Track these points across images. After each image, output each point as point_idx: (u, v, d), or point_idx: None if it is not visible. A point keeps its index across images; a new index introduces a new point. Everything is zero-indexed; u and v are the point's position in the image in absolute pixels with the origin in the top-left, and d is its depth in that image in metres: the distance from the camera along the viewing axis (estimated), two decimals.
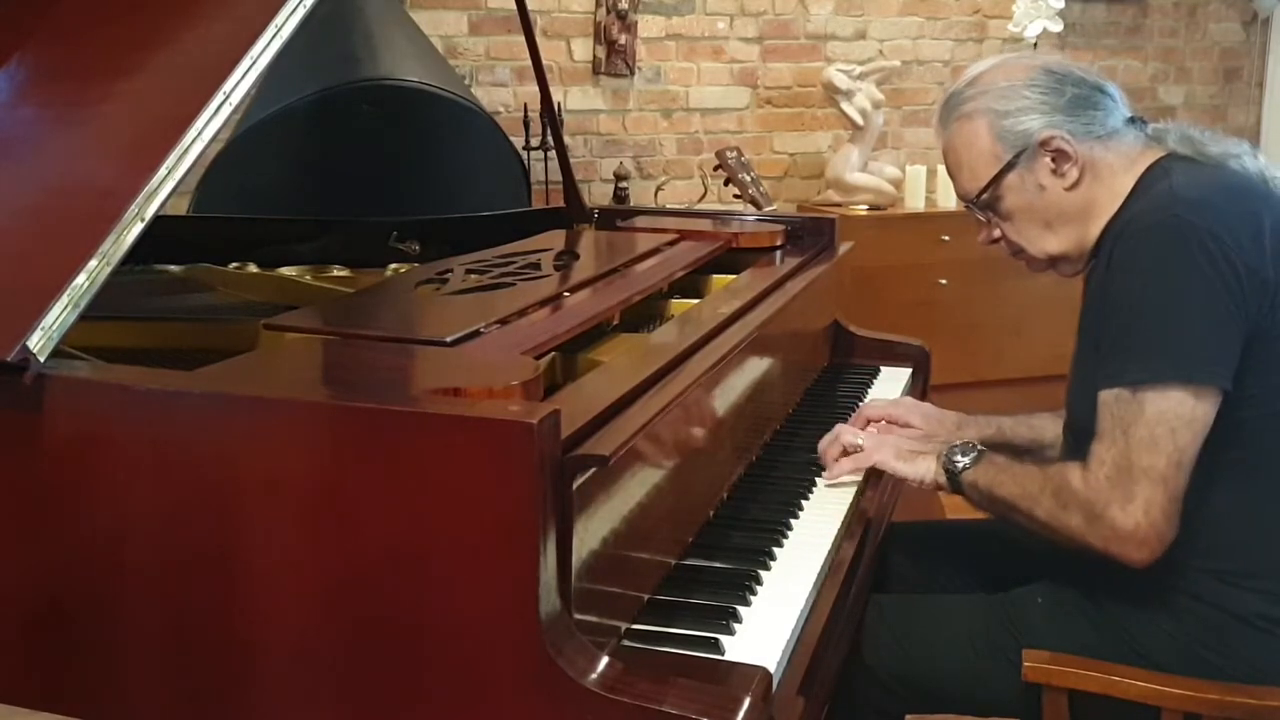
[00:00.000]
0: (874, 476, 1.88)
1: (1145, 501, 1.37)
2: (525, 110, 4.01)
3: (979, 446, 1.61)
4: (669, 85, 4.50)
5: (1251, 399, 1.41)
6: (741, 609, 1.35)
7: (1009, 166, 1.56)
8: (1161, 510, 1.37)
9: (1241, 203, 1.44)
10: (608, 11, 4.29)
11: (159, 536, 1.22)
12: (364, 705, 1.17)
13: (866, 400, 2.19)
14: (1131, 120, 1.58)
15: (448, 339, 1.42)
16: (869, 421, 1.95)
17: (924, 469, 1.66)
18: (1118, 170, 1.54)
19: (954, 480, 1.60)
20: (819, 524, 1.63)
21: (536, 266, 1.90)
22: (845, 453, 1.78)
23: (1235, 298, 1.38)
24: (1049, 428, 1.83)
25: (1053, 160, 1.54)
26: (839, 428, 1.82)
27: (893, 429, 1.92)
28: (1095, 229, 1.55)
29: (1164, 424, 1.37)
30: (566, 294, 1.76)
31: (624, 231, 2.42)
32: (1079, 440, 1.57)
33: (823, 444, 1.82)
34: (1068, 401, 1.62)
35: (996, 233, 1.63)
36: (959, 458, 1.60)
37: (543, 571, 1.09)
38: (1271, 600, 1.45)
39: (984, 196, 1.59)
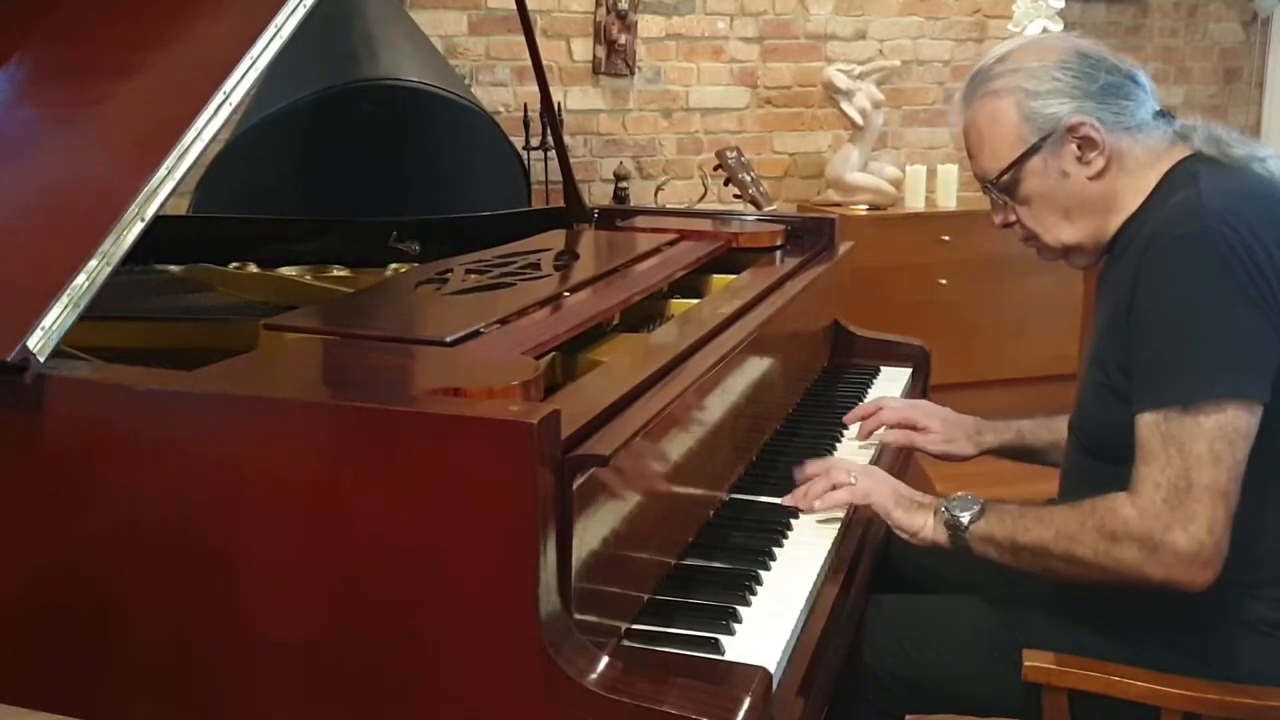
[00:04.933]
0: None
1: (1209, 519, 1.33)
2: (525, 110, 4.01)
3: (979, 499, 1.53)
4: (669, 85, 4.50)
5: (1273, 409, 1.39)
6: (741, 609, 1.35)
7: (1033, 149, 1.52)
8: (1224, 526, 1.34)
9: (1269, 210, 1.42)
10: (608, 11, 4.29)
11: (159, 536, 1.22)
12: (364, 705, 1.16)
13: (869, 398, 2.19)
14: (1160, 114, 1.55)
15: (447, 339, 1.42)
16: (882, 425, 1.94)
17: (920, 522, 1.56)
18: (1143, 164, 1.52)
19: (958, 537, 1.52)
20: (819, 524, 1.63)
21: (536, 266, 1.90)
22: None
23: (1270, 310, 1.36)
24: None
25: (1079, 147, 1.50)
26: (831, 461, 1.72)
27: (911, 435, 1.92)
28: (1114, 223, 1.53)
29: (1224, 438, 1.34)
30: (566, 294, 1.76)
31: (624, 231, 2.42)
32: (1086, 442, 1.56)
33: (811, 468, 1.69)
34: (1078, 402, 1.61)
35: (1012, 216, 1.59)
36: (962, 512, 1.52)
37: (543, 571, 1.09)
38: (1275, 606, 1.44)
39: (1004, 178, 1.55)
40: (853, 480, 1.63)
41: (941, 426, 1.91)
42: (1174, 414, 1.35)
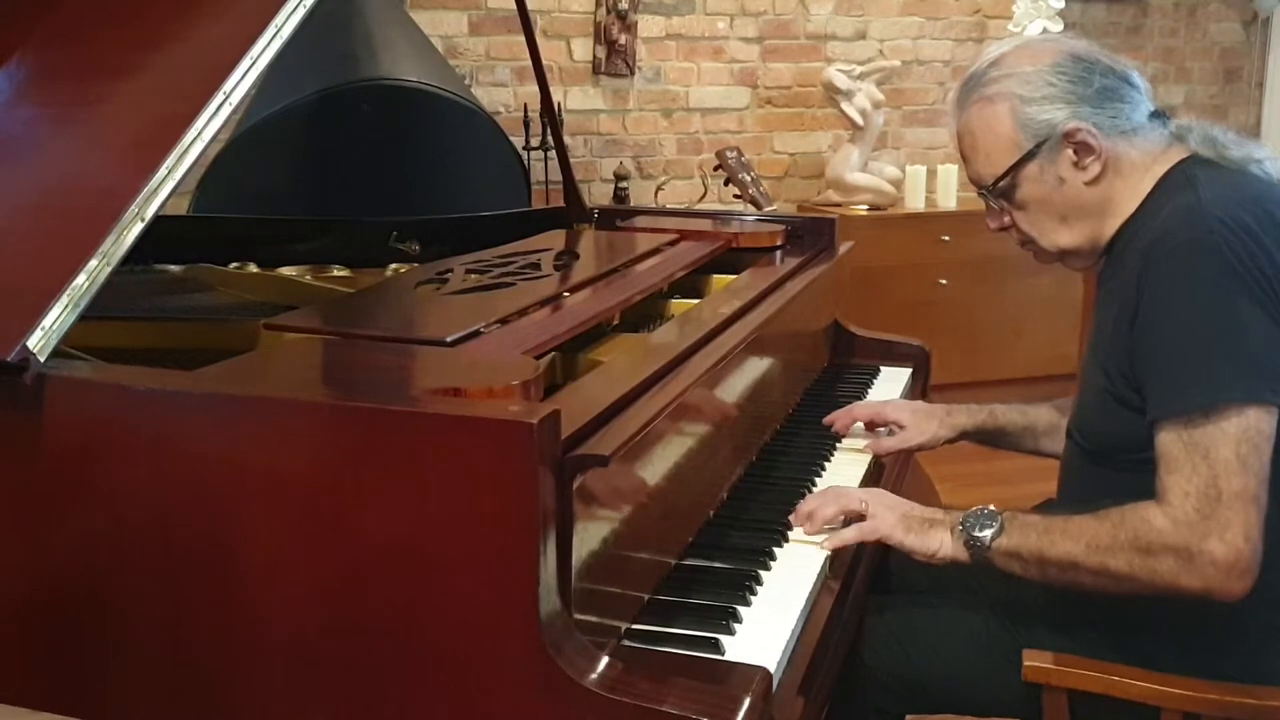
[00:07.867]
0: (872, 477, 1.88)
1: (1244, 525, 1.30)
2: (525, 110, 4.01)
3: (996, 512, 1.47)
4: (669, 85, 4.51)
5: None
6: (741, 609, 1.35)
7: (1029, 156, 1.51)
8: (1259, 531, 1.31)
9: (1268, 213, 1.40)
10: (608, 11, 4.30)
11: (159, 536, 1.22)
12: (363, 705, 1.16)
13: (868, 398, 2.19)
14: (1155, 114, 1.54)
15: (448, 339, 1.42)
16: (855, 420, 1.96)
17: (936, 543, 1.50)
18: (1139, 167, 1.51)
19: (979, 555, 1.47)
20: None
21: (536, 266, 1.90)
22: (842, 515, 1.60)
23: (1276, 314, 1.35)
24: (1043, 417, 1.83)
25: (1075, 153, 1.50)
26: (830, 492, 1.63)
27: (883, 441, 1.92)
28: (1111, 226, 1.53)
29: (1247, 442, 1.32)
30: (566, 294, 1.76)
31: (624, 231, 2.42)
32: (1088, 447, 1.55)
33: (810, 504, 1.60)
34: (1077, 407, 1.60)
35: (1008, 221, 1.59)
36: (981, 531, 1.46)
37: (543, 571, 1.09)
38: (1274, 605, 1.44)
39: (1000, 184, 1.55)
40: (862, 507, 1.55)
41: (910, 418, 1.91)
42: (1195, 421, 1.33)
